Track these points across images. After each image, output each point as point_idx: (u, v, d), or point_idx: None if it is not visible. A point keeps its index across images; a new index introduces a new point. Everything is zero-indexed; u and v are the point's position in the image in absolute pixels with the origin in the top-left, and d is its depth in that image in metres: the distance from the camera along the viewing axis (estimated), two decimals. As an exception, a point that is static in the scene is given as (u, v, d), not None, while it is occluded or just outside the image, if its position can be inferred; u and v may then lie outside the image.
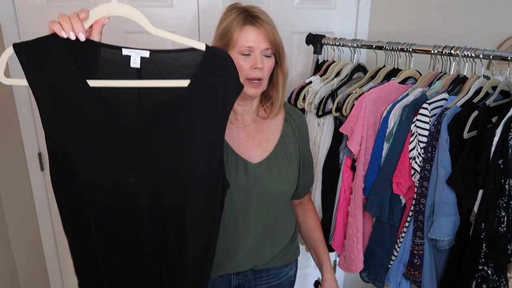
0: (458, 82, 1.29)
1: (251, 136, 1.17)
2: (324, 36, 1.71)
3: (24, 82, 0.81)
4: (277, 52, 1.09)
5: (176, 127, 0.87)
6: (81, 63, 0.82)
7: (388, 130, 1.30)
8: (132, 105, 0.86)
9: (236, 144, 1.14)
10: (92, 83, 0.83)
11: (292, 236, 1.27)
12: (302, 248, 1.78)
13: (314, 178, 1.38)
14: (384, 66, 1.51)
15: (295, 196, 1.27)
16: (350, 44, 1.59)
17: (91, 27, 0.83)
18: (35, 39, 0.81)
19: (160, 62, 0.86)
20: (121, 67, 0.84)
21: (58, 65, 0.81)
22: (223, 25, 1.08)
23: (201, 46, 0.85)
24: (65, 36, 0.79)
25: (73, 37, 0.79)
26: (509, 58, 1.14)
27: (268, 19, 1.07)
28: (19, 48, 0.79)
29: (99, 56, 0.84)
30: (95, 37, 0.84)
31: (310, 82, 1.59)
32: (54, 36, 0.80)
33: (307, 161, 1.26)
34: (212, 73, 0.87)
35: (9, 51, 0.81)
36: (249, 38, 1.03)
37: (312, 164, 1.30)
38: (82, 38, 0.80)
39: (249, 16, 1.05)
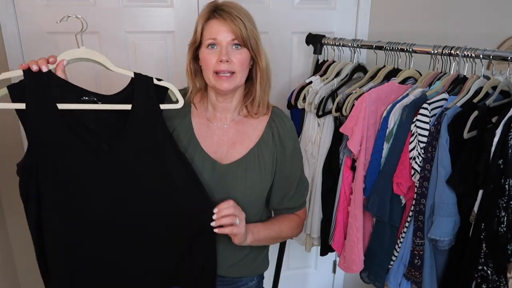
0: (458, 82, 1.29)
1: (227, 135, 1.12)
2: (324, 36, 1.71)
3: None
4: (249, 46, 1.02)
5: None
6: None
7: (388, 130, 1.30)
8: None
9: (209, 142, 1.10)
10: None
11: (255, 249, 1.18)
12: (302, 248, 1.79)
13: (304, 195, 1.22)
14: (384, 66, 1.51)
15: (278, 211, 1.17)
16: (350, 44, 1.59)
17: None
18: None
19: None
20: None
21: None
22: (196, 23, 1.06)
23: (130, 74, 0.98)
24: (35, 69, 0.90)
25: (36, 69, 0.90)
26: (509, 58, 1.14)
27: (235, 11, 1.00)
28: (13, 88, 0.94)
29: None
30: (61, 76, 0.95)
31: (310, 82, 1.59)
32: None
33: (284, 175, 1.14)
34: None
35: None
36: (213, 31, 1.00)
37: (298, 181, 1.16)
38: (44, 69, 0.91)
39: (215, 10, 1.01)
